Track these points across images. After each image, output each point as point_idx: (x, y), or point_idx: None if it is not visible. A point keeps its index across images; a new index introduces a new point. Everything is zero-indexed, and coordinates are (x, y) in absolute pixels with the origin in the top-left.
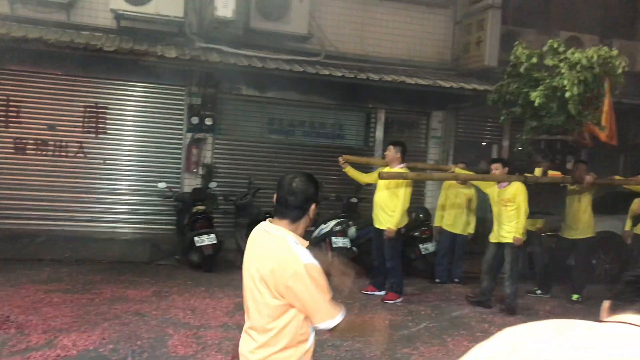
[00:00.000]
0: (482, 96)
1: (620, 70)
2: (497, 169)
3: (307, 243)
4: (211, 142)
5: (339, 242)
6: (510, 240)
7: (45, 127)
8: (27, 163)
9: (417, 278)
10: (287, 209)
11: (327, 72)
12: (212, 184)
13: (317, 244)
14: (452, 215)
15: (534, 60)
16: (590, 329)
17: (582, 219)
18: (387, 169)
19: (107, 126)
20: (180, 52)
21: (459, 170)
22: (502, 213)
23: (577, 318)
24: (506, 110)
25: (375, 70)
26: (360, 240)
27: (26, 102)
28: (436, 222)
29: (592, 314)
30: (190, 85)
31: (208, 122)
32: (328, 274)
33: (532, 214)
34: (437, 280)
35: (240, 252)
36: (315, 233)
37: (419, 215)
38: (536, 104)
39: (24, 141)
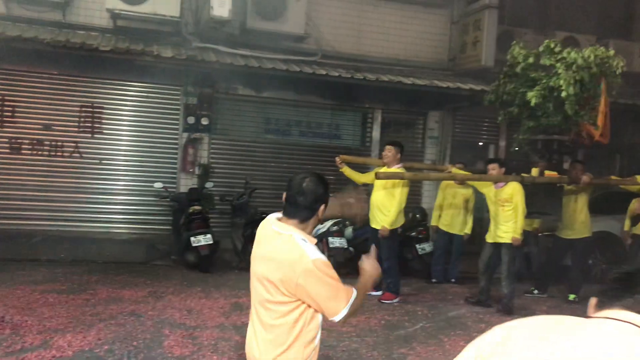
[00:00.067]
0: (478, 96)
1: (619, 71)
2: (493, 169)
3: (315, 240)
4: (207, 142)
5: (335, 242)
6: (507, 241)
7: (41, 126)
8: (22, 163)
9: (413, 278)
10: (296, 209)
11: (323, 72)
12: (209, 184)
13: None
14: (449, 215)
15: (531, 60)
16: (578, 324)
17: (578, 219)
18: (383, 169)
19: (103, 126)
20: (176, 52)
21: (455, 170)
22: (499, 213)
23: None
24: (504, 111)
25: (372, 70)
26: (356, 241)
27: (22, 101)
28: (433, 222)
29: None
30: (187, 85)
31: (204, 122)
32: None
33: (529, 214)
34: (433, 280)
35: (237, 252)
36: (313, 233)
37: (415, 215)
38: (532, 103)
39: (19, 141)
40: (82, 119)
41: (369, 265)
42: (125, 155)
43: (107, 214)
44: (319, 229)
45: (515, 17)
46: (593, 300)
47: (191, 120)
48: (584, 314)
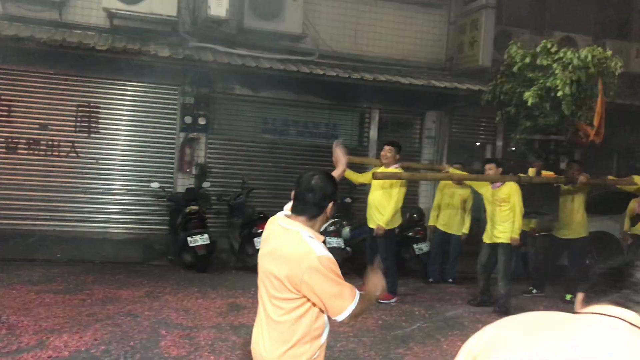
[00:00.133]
0: (476, 96)
1: (618, 71)
2: (491, 169)
3: (322, 238)
4: (204, 142)
5: (332, 242)
6: (503, 240)
7: (37, 126)
8: (18, 163)
9: (411, 278)
10: (305, 206)
11: (321, 72)
12: (206, 184)
13: None
14: (446, 215)
15: (528, 60)
16: (566, 319)
17: (575, 219)
18: (381, 169)
19: (100, 126)
20: (173, 52)
21: (452, 170)
22: (496, 213)
23: None
24: (501, 111)
25: (369, 70)
26: (354, 241)
27: (18, 101)
28: (431, 222)
29: None
30: (184, 84)
31: (201, 121)
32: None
33: (525, 214)
34: (430, 279)
35: (234, 252)
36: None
37: (413, 215)
38: (529, 103)
39: (15, 140)
40: (79, 119)
41: (374, 279)
42: (122, 155)
43: (104, 214)
44: None
45: (513, 17)
46: (580, 296)
47: (188, 120)
48: None
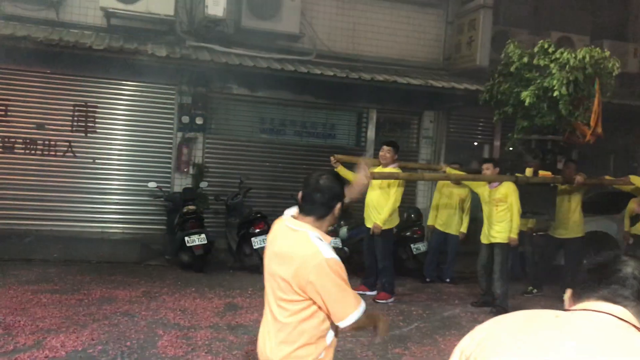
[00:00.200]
0: (473, 96)
1: (615, 72)
2: (488, 169)
3: (330, 239)
4: (202, 142)
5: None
6: (500, 240)
7: (34, 126)
8: (15, 162)
9: (408, 278)
10: (312, 206)
11: (318, 72)
12: (203, 184)
13: None
14: (444, 215)
15: (525, 60)
16: (556, 316)
17: (572, 219)
18: (378, 169)
19: (97, 125)
20: (170, 51)
21: (449, 170)
22: (493, 213)
23: None
24: (498, 110)
25: (367, 69)
26: (351, 240)
27: (14, 100)
28: (430, 222)
29: None
30: (181, 84)
31: (199, 121)
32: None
33: (522, 213)
34: (427, 279)
35: (231, 252)
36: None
37: (410, 215)
38: (527, 103)
39: (12, 140)
40: (76, 118)
41: (382, 325)
42: (119, 155)
43: (101, 214)
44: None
45: (510, 18)
46: (568, 292)
47: (185, 119)
48: None
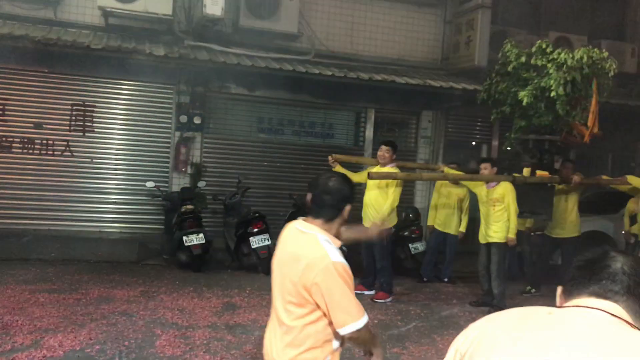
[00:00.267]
0: (471, 96)
1: (611, 73)
2: (486, 168)
3: (339, 243)
4: (200, 141)
5: None
6: (497, 240)
7: (31, 125)
8: (13, 161)
9: (406, 277)
10: (321, 208)
11: (316, 71)
12: (201, 183)
13: None
14: (443, 214)
15: (523, 59)
16: (549, 314)
17: (568, 219)
18: (376, 169)
19: (95, 125)
20: (168, 50)
21: (447, 169)
22: (490, 213)
23: None
24: (496, 110)
25: (365, 69)
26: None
27: (12, 100)
28: (429, 222)
29: None
30: (179, 83)
31: (197, 120)
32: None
33: (520, 213)
34: (424, 279)
35: (229, 251)
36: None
37: (408, 214)
38: (524, 103)
39: (9, 139)
40: (74, 118)
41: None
42: (117, 154)
43: (98, 213)
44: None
45: (509, 17)
46: (559, 289)
47: (183, 119)
48: None
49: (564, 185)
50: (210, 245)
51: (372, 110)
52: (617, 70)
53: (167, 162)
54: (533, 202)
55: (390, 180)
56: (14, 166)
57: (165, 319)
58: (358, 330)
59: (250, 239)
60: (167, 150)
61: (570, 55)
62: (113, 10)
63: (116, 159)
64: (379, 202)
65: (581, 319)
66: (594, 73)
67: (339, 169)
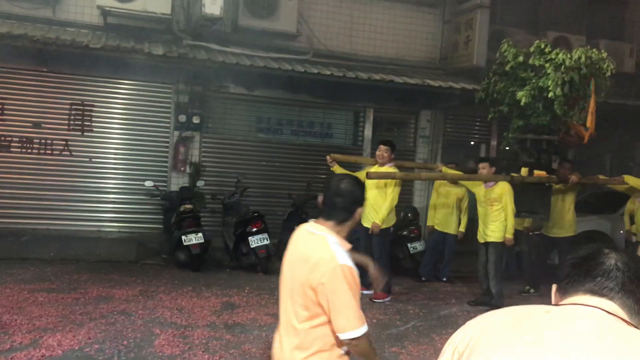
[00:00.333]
0: (470, 95)
1: (608, 73)
2: (484, 168)
3: (349, 246)
4: (199, 141)
5: None
6: (494, 240)
7: (30, 124)
8: (11, 161)
9: (405, 277)
10: (333, 211)
11: (315, 71)
12: (200, 183)
13: None
14: (441, 214)
15: (520, 59)
16: (547, 312)
17: (565, 218)
18: (375, 168)
19: (94, 124)
20: (167, 50)
21: (445, 169)
22: (488, 213)
23: None
24: (494, 109)
25: (363, 68)
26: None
27: (11, 99)
28: (429, 222)
29: None
30: (178, 83)
31: (195, 120)
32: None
33: (518, 213)
34: (423, 279)
35: (228, 251)
36: None
37: (407, 214)
38: (522, 103)
39: (8, 139)
40: (72, 117)
41: None
42: (115, 154)
43: (97, 213)
44: None
45: (507, 17)
46: (554, 287)
47: (182, 118)
48: None
49: (561, 185)
50: (209, 244)
51: (371, 110)
52: (614, 71)
53: (166, 162)
54: (531, 201)
55: (389, 180)
56: (12, 165)
57: (164, 318)
58: (357, 339)
59: (249, 238)
60: (166, 149)
61: (569, 56)
62: (112, 9)
63: (115, 159)
64: (378, 201)
65: (579, 318)
66: (591, 73)
67: (337, 168)
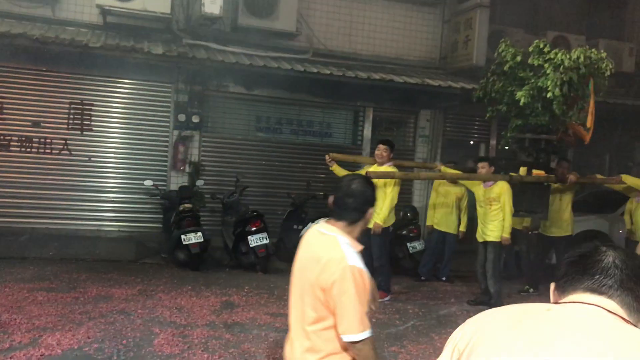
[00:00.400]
0: (469, 95)
1: (607, 73)
2: (483, 167)
3: (360, 247)
4: (198, 140)
5: None
6: (492, 239)
7: (29, 123)
8: (11, 160)
9: (404, 276)
10: (344, 211)
11: (315, 70)
12: (199, 182)
13: None
14: (440, 213)
15: (519, 58)
16: (547, 310)
17: (563, 218)
18: (374, 168)
19: (93, 123)
20: (167, 49)
21: (444, 168)
22: (487, 212)
23: None
24: (492, 108)
25: (363, 68)
26: None
27: (10, 98)
28: (428, 222)
29: None
30: (177, 82)
31: (195, 119)
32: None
33: (516, 212)
34: (422, 278)
35: (228, 250)
36: (303, 231)
37: (407, 213)
38: (521, 103)
39: (7, 138)
40: (72, 116)
41: None
42: (115, 153)
43: (96, 212)
44: (309, 227)
45: (507, 17)
46: (552, 286)
47: (182, 117)
48: None
49: (559, 185)
50: (209, 243)
51: (370, 109)
52: (613, 70)
53: (166, 161)
54: (529, 201)
55: (388, 180)
56: (12, 165)
57: (164, 317)
58: (360, 343)
59: (249, 237)
60: (166, 149)
61: (567, 56)
62: (111, 8)
63: (114, 158)
64: (377, 201)
65: (579, 316)
66: (590, 73)
67: (336, 168)
